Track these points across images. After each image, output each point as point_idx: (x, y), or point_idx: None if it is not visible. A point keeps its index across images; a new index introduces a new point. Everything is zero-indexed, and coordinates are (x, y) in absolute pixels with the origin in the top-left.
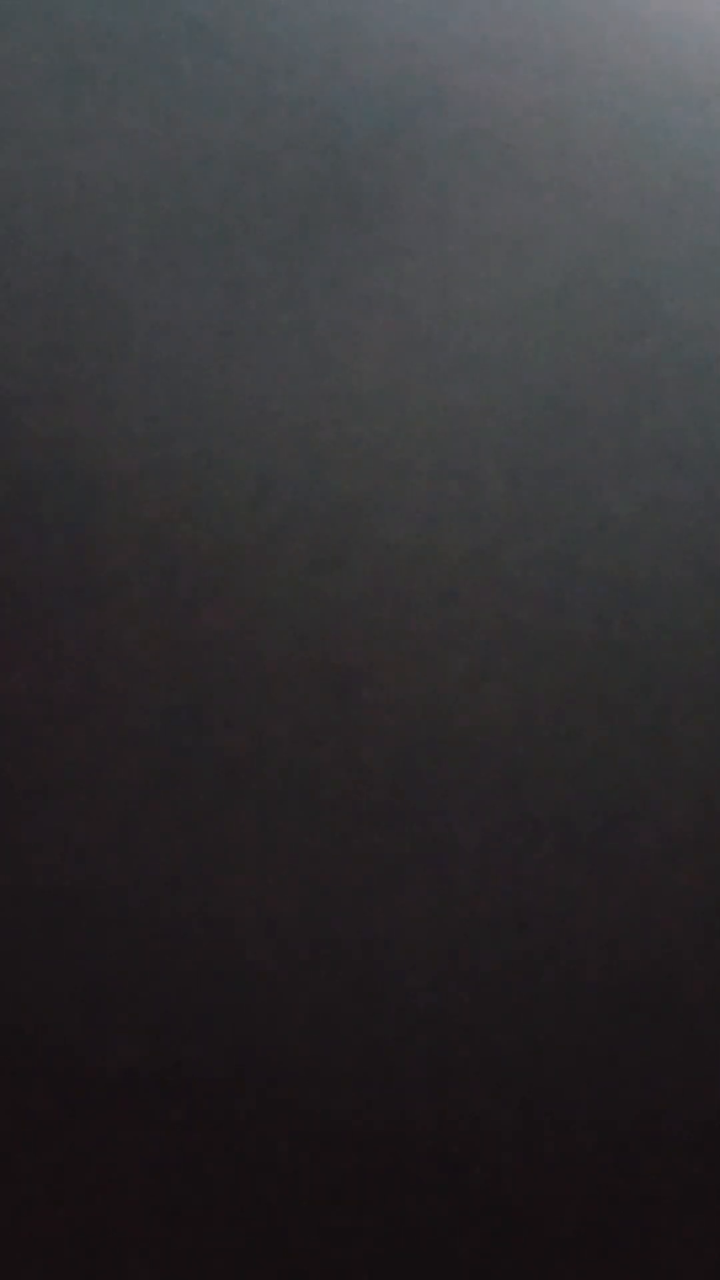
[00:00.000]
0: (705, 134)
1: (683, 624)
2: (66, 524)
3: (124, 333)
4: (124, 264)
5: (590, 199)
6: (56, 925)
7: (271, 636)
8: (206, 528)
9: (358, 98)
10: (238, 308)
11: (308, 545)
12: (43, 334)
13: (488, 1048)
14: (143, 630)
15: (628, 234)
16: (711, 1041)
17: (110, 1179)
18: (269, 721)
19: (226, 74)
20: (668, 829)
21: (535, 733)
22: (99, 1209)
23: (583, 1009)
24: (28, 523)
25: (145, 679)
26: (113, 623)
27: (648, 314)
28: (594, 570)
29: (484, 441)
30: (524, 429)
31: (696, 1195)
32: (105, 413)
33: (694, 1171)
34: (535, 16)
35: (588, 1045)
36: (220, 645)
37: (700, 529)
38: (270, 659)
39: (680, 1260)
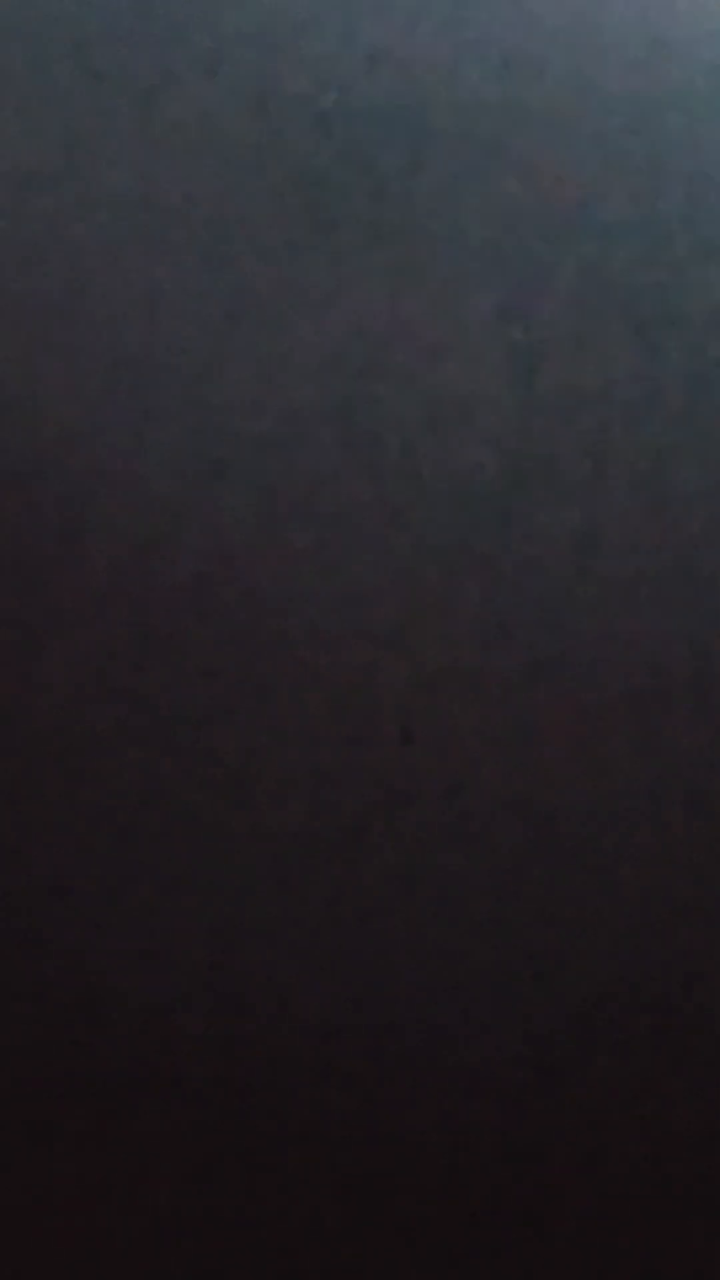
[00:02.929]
0: (717, 148)
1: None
2: (64, 517)
3: (123, 323)
4: (125, 254)
5: (597, 201)
6: (58, 922)
7: (273, 635)
8: (206, 520)
9: (361, 90)
10: (238, 298)
11: (308, 539)
12: (44, 328)
13: (489, 1051)
14: (139, 631)
15: (635, 233)
16: (711, 1045)
17: (109, 1178)
18: (268, 724)
19: (230, 67)
20: (666, 832)
21: (535, 734)
22: (97, 1209)
23: (583, 1012)
24: (26, 518)
25: (143, 683)
26: (109, 620)
27: (659, 313)
28: (595, 571)
29: (485, 430)
30: (524, 418)
31: (697, 1200)
32: (102, 406)
33: (696, 1181)
34: (538, 27)
35: (588, 1049)
36: (218, 643)
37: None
38: (271, 660)
39: (680, 1260)
